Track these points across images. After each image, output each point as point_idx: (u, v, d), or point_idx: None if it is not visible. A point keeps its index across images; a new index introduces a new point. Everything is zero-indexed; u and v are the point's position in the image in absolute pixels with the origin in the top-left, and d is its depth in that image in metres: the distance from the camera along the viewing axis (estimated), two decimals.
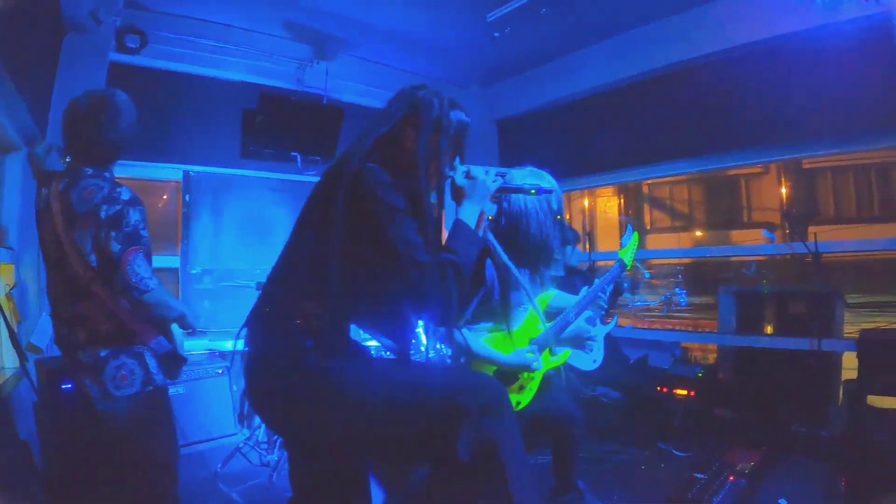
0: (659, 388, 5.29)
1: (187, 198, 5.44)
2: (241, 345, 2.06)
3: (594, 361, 4.49)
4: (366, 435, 1.93)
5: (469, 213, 2.09)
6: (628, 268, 3.35)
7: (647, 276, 4.75)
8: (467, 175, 2.17)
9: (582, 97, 6.50)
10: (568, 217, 7.81)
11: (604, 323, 4.63)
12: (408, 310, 2.03)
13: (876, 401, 3.83)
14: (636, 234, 3.53)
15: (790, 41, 4.97)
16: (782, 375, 5.04)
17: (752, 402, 5.01)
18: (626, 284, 4.53)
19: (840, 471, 3.85)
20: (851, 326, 5.32)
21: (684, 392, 5.25)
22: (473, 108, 7.05)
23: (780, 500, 3.37)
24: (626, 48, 5.99)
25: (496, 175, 2.21)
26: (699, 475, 3.86)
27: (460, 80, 7.10)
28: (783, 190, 6.18)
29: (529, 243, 2.89)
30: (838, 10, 4.51)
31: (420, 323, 4.38)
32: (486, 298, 2.94)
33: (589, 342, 4.50)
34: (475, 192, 2.12)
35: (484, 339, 2.98)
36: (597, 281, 3.28)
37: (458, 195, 2.12)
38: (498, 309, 2.96)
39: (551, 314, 3.19)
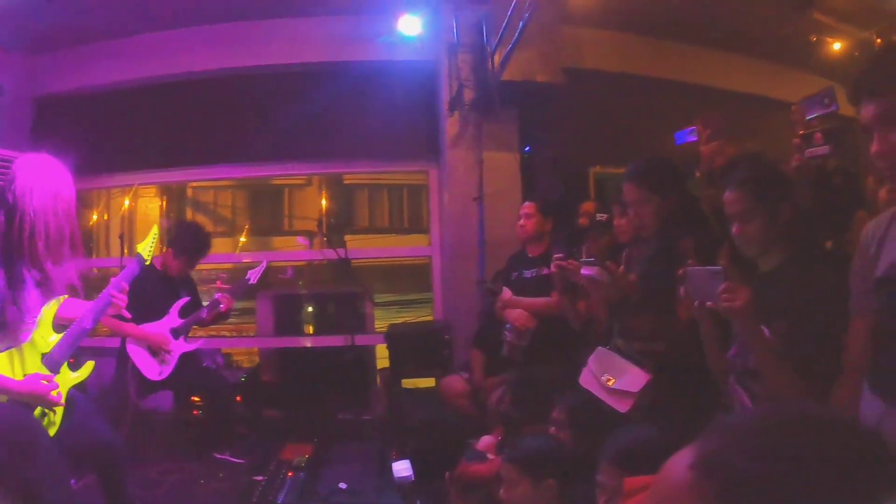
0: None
1: None
2: None
3: (160, 373, 4.22)
4: None
5: None
6: (147, 262, 3.16)
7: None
8: None
9: (131, 86, 5.89)
10: (106, 217, 7.05)
11: (187, 341, 4.37)
12: None
13: (408, 383, 4.45)
14: (155, 226, 3.44)
15: (349, 68, 5.47)
16: (324, 370, 5.44)
17: (298, 398, 5.28)
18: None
19: (387, 446, 4.33)
20: (383, 322, 6.09)
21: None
22: (10, 78, 5.80)
23: (340, 485, 3.62)
24: (183, 43, 5.69)
25: None
26: (259, 478, 3.91)
27: (3, 42, 5.67)
28: (324, 201, 6.71)
29: (27, 242, 2.48)
30: (398, 51, 5.23)
31: None
32: None
33: (165, 354, 4.22)
34: None
35: None
36: (112, 280, 2.94)
37: None
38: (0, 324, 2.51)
39: (62, 325, 2.79)
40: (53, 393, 2.49)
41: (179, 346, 4.29)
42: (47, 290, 2.65)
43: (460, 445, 3.56)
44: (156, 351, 4.21)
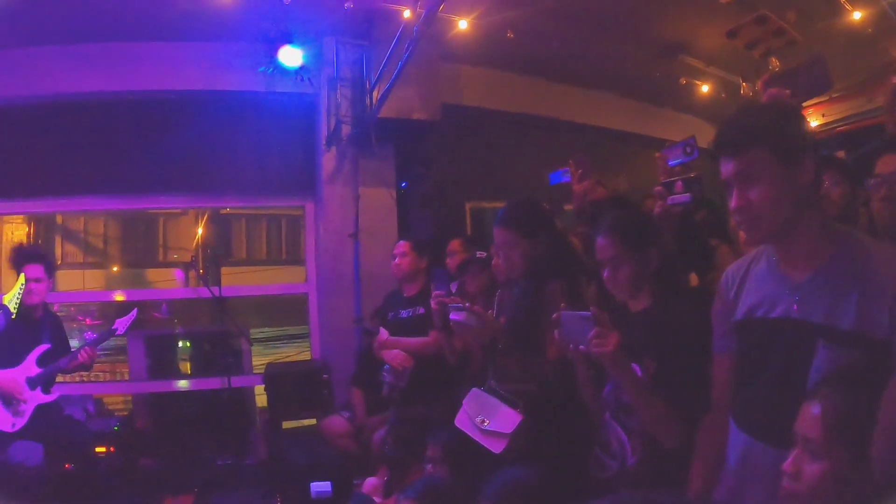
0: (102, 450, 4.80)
1: None
2: None
3: (13, 425, 3.90)
4: None
5: None
6: (13, 315, 2.99)
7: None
8: None
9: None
10: None
11: (46, 391, 4.05)
12: None
13: (289, 424, 4.34)
14: (23, 276, 3.24)
15: (226, 97, 5.31)
16: (202, 414, 5.24)
17: (175, 445, 5.01)
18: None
19: (272, 491, 4.23)
20: (262, 358, 5.93)
21: (103, 449, 4.83)
22: None
23: None
24: (51, 61, 5.21)
25: None
26: None
27: None
28: (200, 230, 6.47)
29: None
30: (277, 83, 5.13)
31: None
32: None
33: (19, 404, 3.90)
34: None
35: None
36: None
37: None
38: None
39: None
40: None
41: (35, 397, 4.00)
42: None
43: (345, 487, 3.51)
44: (8, 400, 3.90)
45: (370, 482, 3.56)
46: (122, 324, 4.31)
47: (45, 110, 5.41)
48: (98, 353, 4.26)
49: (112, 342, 6.57)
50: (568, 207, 3.29)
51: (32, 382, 3.99)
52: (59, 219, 7.20)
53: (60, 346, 4.25)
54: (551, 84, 6.13)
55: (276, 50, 4.92)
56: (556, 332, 2.11)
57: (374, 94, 4.80)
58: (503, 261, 2.93)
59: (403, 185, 5.36)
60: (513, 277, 2.92)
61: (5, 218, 6.57)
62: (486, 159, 5.72)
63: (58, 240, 7.40)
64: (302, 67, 5.00)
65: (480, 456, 2.75)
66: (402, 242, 4.13)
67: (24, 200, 5.75)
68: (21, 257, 4.07)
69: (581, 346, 2.00)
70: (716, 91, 5.99)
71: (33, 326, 4.10)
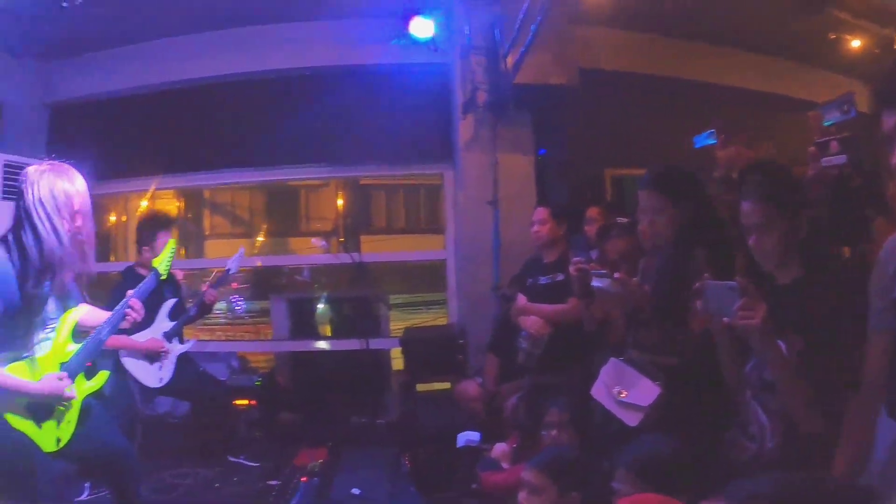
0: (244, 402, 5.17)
1: None
2: None
3: (161, 380, 4.25)
4: None
5: None
6: (163, 277, 3.17)
7: (236, 306, 4.68)
8: None
9: (147, 91, 5.97)
10: (124, 219, 7.12)
11: (181, 342, 4.42)
12: None
13: (423, 387, 4.43)
14: (172, 240, 3.44)
15: (362, 71, 5.49)
16: (338, 374, 5.46)
17: (312, 402, 5.28)
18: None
19: (401, 452, 4.30)
20: (399, 323, 6.08)
21: (245, 402, 5.22)
22: (24, 85, 5.89)
23: (353, 490, 3.60)
24: (196, 48, 5.74)
25: None
26: (272, 482, 3.91)
27: (14, 48, 5.73)
28: (340, 202, 6.71)
29: (41, 250, 2.49)
30: (410, 54, 5.22)
31: None
32: (4, 319, 2.47)
33: (163, 358, 4.26)
34: None
35: (7, 370, 2.50)
36: (129, 293, 2.96)
37: None
38: (18, 331, 2.51)
39: (81, 333, 2.81)
40: (67, 390, 2.52)
41: (175, 349, 4.34)
42: (63, 297, 2.68)
43: (475, 452, 3.55)
44: (153, 357, 4.23)
45: (499, 447, 3.55)
46: (232, 263, 4.58)
47: (194, 92, 5.92)
48: (218, 296, 4.56)
49: (257, 306, 7.03)
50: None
51: (169, 336, 4.30)
52: (206, 193, 7.65)
53: (182, 299, 4.58)
54: (691, 44, 5.81)
55: (407, 22, 4.98)
56: (697, 301, 2.00)
57: (509, 60, 4.73)
58: (648, 226, 2.81)
59: (542, 151, 5.27)
60: (658, 245, 2.80)
61: (158, 193, 7.15)
62: (626, 124, 5.51)
63: (206, 213, 7.90)
64: (434, 37, 5.03)
65: (606, 425, 2.72)
66: (540, 209, 4.05)
67: (175, 175, 6.24)
68: (156, 224, 4.39)
69: (725, 318, 1.89)
70: (868, 46, 5.44)
71: (161, 284, 4.44)
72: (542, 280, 3.98)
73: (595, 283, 2.70)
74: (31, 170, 2.56)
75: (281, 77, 5.76)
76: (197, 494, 4.06)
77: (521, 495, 2.47)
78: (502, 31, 4.76)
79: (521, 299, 3.90)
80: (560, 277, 3.76)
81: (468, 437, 3.57)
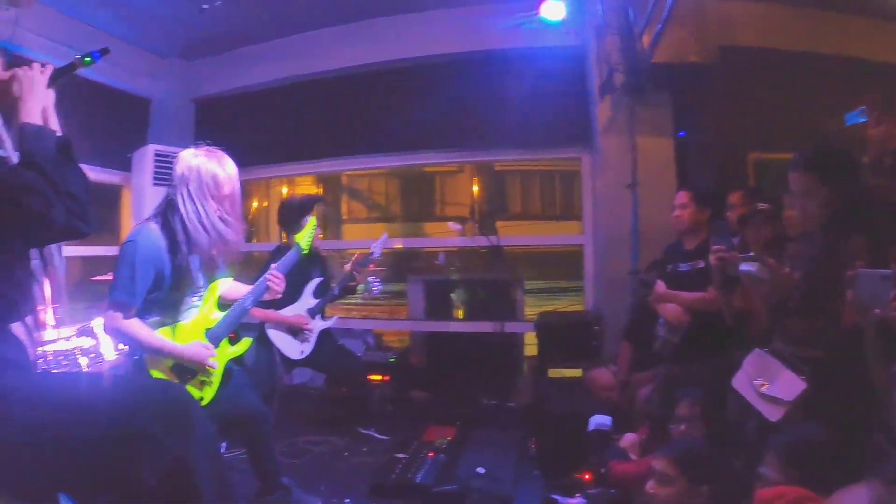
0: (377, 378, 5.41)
1: None
2: None
3: (302, 352, 4.51)
4: (35, 466, 1.69)
5: (30, 113, 1.79)
6: (305, 251, 3.33)
7: (373, 287, 4.89)
8: (12, 78, 1.82)
9: (286, 84, 6.35)
10: (266, 204, 7.59)
11: (324, 318, 4.68)
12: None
13: (555, 372, 4.38)
14: (314, 218, 3.58)
15: (495, 56, 5.48)
16: (471, 356, 5.51)
17: (444, 382, 5.39)
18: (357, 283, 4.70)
19: (529, 436, 4.32)
20: (533, 309, 6.06)
21: (379, 377, 5.45)
22: (172, 82, 6.52)
23: (478, 469, 3.63)
24: (334, 40, 5.99)
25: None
26: (400, 455, 3.99)
27: (161, 50, 6.45)
28: (475, 188, 6.76)
29: (193, 226, 2.69)
30: (542, 37, 5.16)
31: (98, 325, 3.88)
32: (156, 287, 2.69)
33: (306, 333, 4.52)
34: (28, 91, 1.81)
35: (158, 332, 2.71)
36: (272, 266, 3.12)
37: (14, 103, 1.80)
38: (169, 299, 2.74)
39: (225, 304, 3.02)
40: (211, 359, 2.74)
41: (317, 325, 4.58)
42: (211, 271, 2.90)
43: (605, 436, 3.48)
44: (296, 332, 4.47)
45: (628, 437, 3.47)
46: (376, 246, 4.79)
47: (329, 83, 6.21)
48: (361, 275, 4.76)
49: (392, 288, 7.26)
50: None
51: (312, 312, 4.55)
52: (344, 179, 7.95)
53: (328, 279, 4.78)
54: (839, 16, 5.25)
55: (538, 5, 4.91)
56: (849, 292, 1.85)
57: (645, 39, 4.55)
58: (798, 210, 2.63)
59: (681, 133, 5.03)
60: (808, 230, 2.61)
61: (298, 180, 7.55)
62: (770, 105, 5.08)
63: (343, 198, 8.22)
64: (566, 19, 4.92)
65: (742, 422, 2.60)
66: (682, 193, 3.88)
67: (313, 162, 6.59)
68: (302, 209, 4.57)
69: (877, 310, 1.74)
70: None
71: (306, 263, 4.65)
72: (683, 267, 3.81)
73: (743, 267, 2.59)
74: (185, 153, 2.78)
75: (416, 65, 5.86)
76: (326, 461, 4.26)
77: (650, 485, 2.44)
78: (636, 8, 4.58)
79: (661, 286, 3.75)
80: (701, 265, 3.59)
81: (599, 420, 3.49)
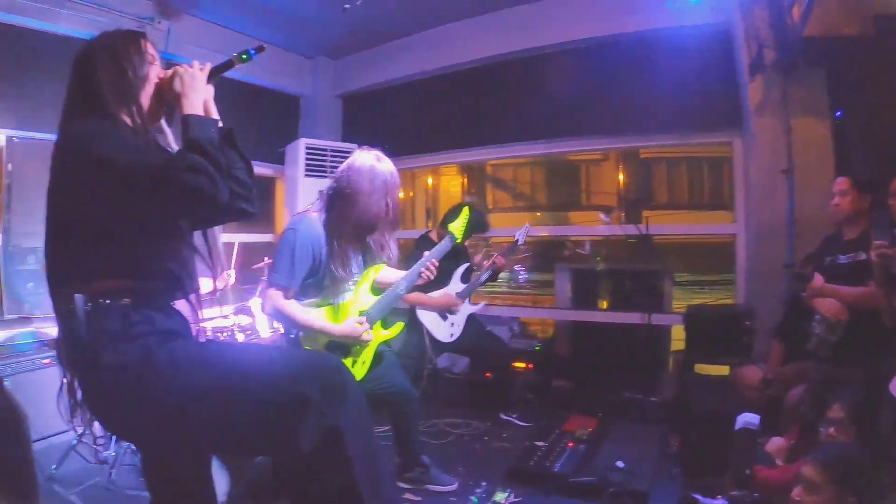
0: (521, 365, 5.52)
1: (10, 166, 4.72)
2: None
3: (451, 335, 4.74)
4: (199, 428, 1.78)
5: (192, 105, 1.88)
6: (458, 240, 3.47)
7: (519, 275, 5.03)
8: (174, 75, 1.93)
9: (428, 76, 6.59)
10: (412, 194, 7.89)
11: (471, 303, 4.91)
12: (179, 228, 1.89)
13: (701, 368, 4.23)
14: (466, 208, 3.68)
15: (638, 39, 5.35)
16: (616, 347, 5.46)
17: (587, 372, 5.36)
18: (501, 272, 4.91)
19: (671, 432, 4.26)
20: (680, 302, 5.86)
21: (523, 365, 5.53)
22: (319, 80, 6.98)
23: (617, 463, 3.62)
24: (475, 31, 6.13)
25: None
26: (540, 443, 4.06)
27: (307, 51, 6.94)
28: (620, 176, 6.62)
29: (356, 218, 2.93)
30: (686, 16, 4.96)
31: (257, 302, 4.30)
32: (314, 272, 2.92)
33: (453, 317, 4.75)
34: (189, 86, 1.90)
35: (315, 313, 2.97)
36: (426, 254, 3.32)
37: (176, 98, 1.90)
38: (326, 283, 2.96)
39: (379, 288, 3.23)
40: (365, 334, 2.99)
41: (465, 308, 4.82)
42: (368, 257, 3.12)
43: (751, 436, 3.33)
44: (445, 315, 4.67)
45: (775, 441, 3.30)
46: (520, 234, 4.94)
47: (472, 73, 6.37)
48: (506, 260, 4.93)
49: (538, 277, 7.30)
50: None
51: (461, 296, 4.76)
52: (489, 169, 8.05)
53: (471, 266, 4.98)
54: None
55: None
56: None
57: (794, 11, 4.19)
58: None
59: (838, 114, 4.62)
60: None
61: (442, 170, 7.74)
62: None
63: (488, 187, 8.33)
64: None
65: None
66: (841, 179, 3.55)
67: (457, 151, 6.75)
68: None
69: None
70: None
71: (454, 251, 4.83)
72: (842, 259, 3.52)
73: None
74: (358, 153, 3.04)
75: (557, 51, 5.85)
76: (466, 444, 4.43)
77: (796, 491, 2.36)
78: None
79: (818, 279, 3.47)
80: (862, 256, 3.30)
81: (747, 419, 3.34)
